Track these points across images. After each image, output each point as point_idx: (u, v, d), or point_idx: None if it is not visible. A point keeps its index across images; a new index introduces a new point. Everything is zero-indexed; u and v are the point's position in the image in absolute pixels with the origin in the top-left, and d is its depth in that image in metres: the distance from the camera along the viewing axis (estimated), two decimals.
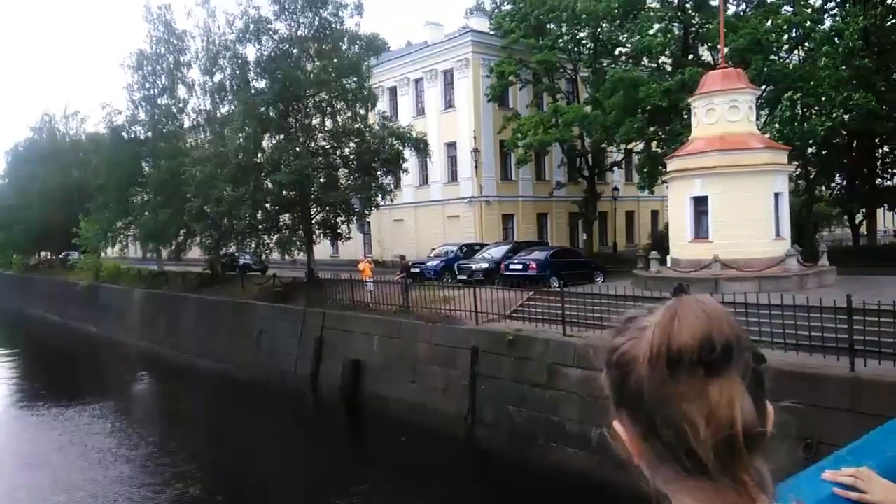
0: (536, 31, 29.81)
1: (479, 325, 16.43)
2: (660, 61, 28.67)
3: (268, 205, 24.67)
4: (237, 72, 25.53)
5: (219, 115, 30.02)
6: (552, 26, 30.22)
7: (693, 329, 0.75)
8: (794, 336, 11.61)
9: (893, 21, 22.99)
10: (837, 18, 24.20)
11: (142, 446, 16.57)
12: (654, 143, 28.92)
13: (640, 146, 30.63)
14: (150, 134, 32.68)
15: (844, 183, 29.80)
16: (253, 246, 26.79)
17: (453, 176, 35.08)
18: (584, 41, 31.26)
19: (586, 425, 12.82)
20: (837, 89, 21.58)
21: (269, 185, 23.69)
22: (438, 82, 35.31)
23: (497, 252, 25.05)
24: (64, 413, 19.85)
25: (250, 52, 25.04)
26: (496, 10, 37.53)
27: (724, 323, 0.76)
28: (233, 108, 27.90)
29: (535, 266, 21.77)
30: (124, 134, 33.10)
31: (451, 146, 34.75)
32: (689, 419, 0.73)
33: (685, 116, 23.98)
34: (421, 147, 26.48)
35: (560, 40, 30.61)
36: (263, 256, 28.25)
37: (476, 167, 33.24)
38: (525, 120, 29.91)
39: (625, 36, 29.42)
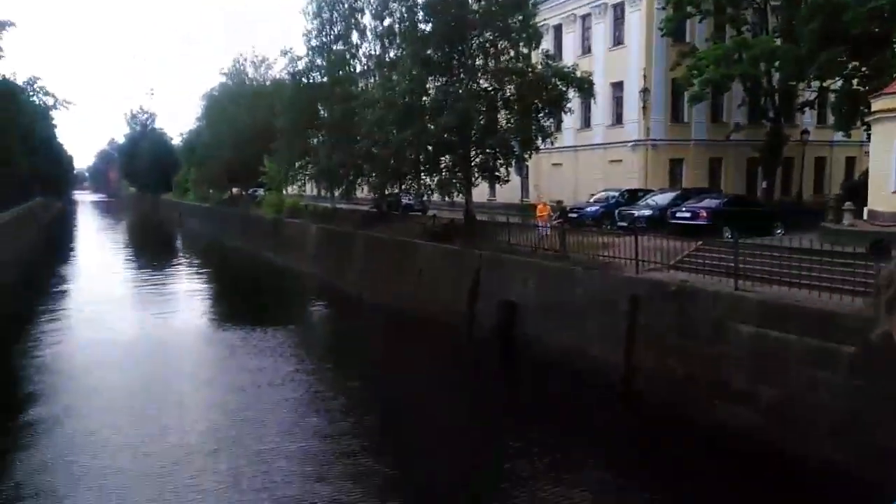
0: None
1: (640, 273, 15.85)
2: None
3: (430, 147, 25.28)
4: (405, 14, 26.04)
5: (387, 59, 30.98)
6: None
7: None
8: None
9: None
10: None
11: (315, 374, 18.06)
12: (855, 80, 25.36)
13: (837, 83, 27.00)
14: (325, 79, 34.55)
15: None
16: (415, 187, 27.77)
17: (618, 118, 33.48)
18: None
19: (757, 384, 12.07)
20: None
21: (432, 127, 24.18)
22: (607, 17, 33.45)
23: (662, 199, 23.75)
24: (251, 335, 22.05)
25: None
26: None
27: None
28: (400, 51, 28.64)
29: (705, 214, 20.40)
30: (303, 80, 35.30)
31: (618, 86, 33.06)
32: None
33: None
34: (585, 87, 25.49)
35: None
36: (425, 197, 29.20)
37: (644, 108, 31.40)
38: (704, 54, 27.43)
39: None
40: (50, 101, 38.40)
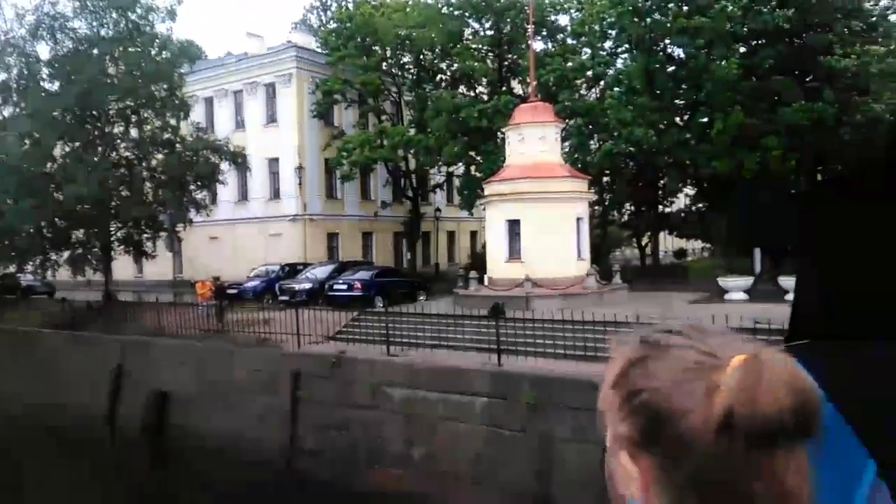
0: (362, 51, 30.09)
1: (301, 348, 15.96)
2: (477, 91, 30.41)
3: (58, 219, 21.97)
4: (25, 71, 22.61)
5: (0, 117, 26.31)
6: (377, 49, 30.70)
7: (783, 398, 0.64)
8: (595, 349, 12.78)
9: (671, 68, 26.48)
10: (627, 62, 27.33)
11: None
12: (473, 167, 30.46)
13: (460, 169, 32.07)
14: None
15: (633, 209, 33.58)
16: (37, 263, 23.67)
17: (276, 193, 33.97)
18: (407, 66, 32.13)
19: (410, 445, 12.95)
20: (623, 124, 24.27)
21: (61, 197, 21.13)
22: (260, 95, 34.11)
23: (321, 272, 24.60)
24: None
25: (43, 50, 22.35)
26: (322, 27, 37.32)
27: (812, 390, 0.67)
28: (18, 110, 24.63)
29: (359, 286, 21.71)
30: None
31: (274, 161, 33.66)
32: (756, 496, 0.65)
33: (500, 142, 25.61)
34: (239, 161, 25.36)
35: (384, 63, 31.21)
36: (50, 275, 25.04)
37: (300, 184, 32.51)
38: (350, 138, 29.94)
39: (446, 63, 30.84)
40: None
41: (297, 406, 14.79)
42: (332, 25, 32.88)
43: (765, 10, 22.99)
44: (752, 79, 23.44)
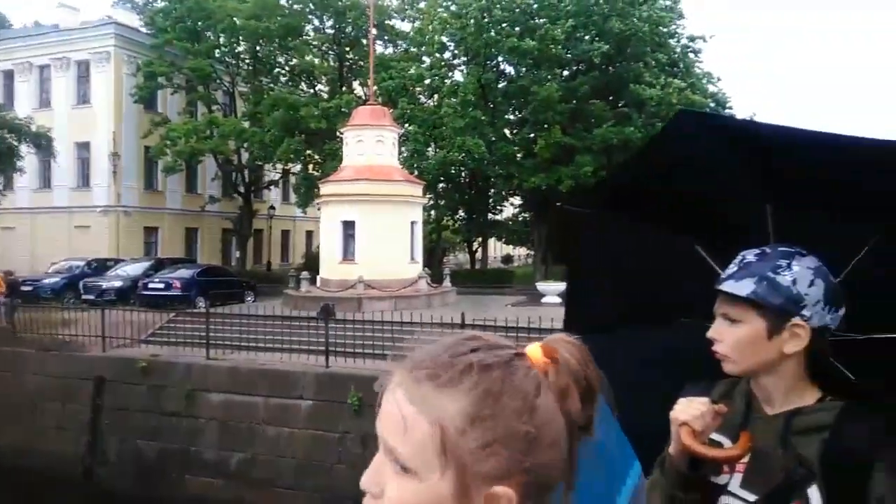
0: (192, 35, 28.25)
1: (107, 351, 14.59)
2: (317, 88, 29.88)
3: None
4: None
5: None
6: (210, 34, 29.01)
7: (595, 371, 0.70)
8: None
9: (503, 84, 28.01)
10: (463, 74, 28.44)
11: None
12: (310, 166, 29.83)
13: (297, 167, 31.23)
14: None
15: (465, 216, 34.94)
16: None
17: (85, 181, 30.72)
18: (242, 56, 30.74)
19: (226, 451, 12.36)
20: (457, 134, 25.24)
21: None
22: (71, 73, 30.71)
23: (135, 269, 22.65)
24: None
25: None
26: (148, 5, 34.48)
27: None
28: None
29: (179, 285, 20.30)
30: None
31: (84, 147, 30.45)
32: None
33: (339, 142, 25.40)
34: (42, 144, 22.69)
35: (217, 50, 29.59)
36: None
37: (115, 173, 29.68)
38: (176, 127, 27.91)
39: (284, 57, 29.94)
40: None
41: (99, 415, 13.51)
42: (160, 4, 30.46)
43: (585, 39, 25.20)
44: (571, 101, 25.47)
